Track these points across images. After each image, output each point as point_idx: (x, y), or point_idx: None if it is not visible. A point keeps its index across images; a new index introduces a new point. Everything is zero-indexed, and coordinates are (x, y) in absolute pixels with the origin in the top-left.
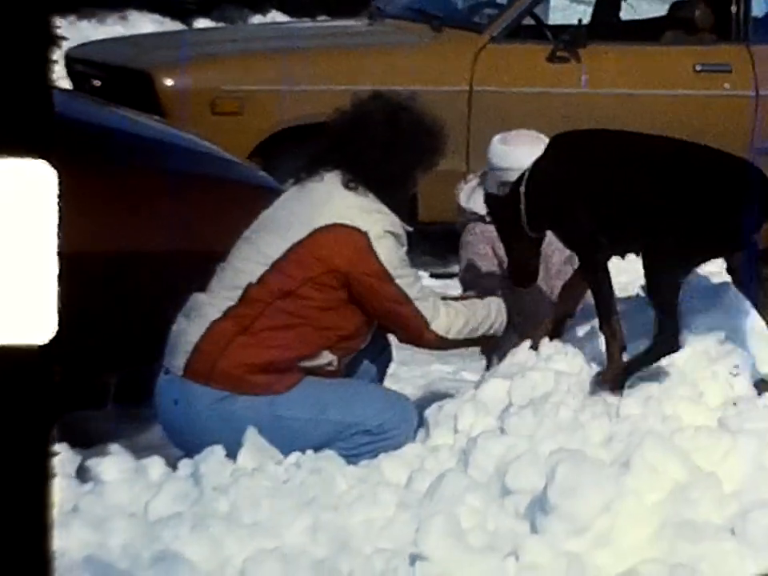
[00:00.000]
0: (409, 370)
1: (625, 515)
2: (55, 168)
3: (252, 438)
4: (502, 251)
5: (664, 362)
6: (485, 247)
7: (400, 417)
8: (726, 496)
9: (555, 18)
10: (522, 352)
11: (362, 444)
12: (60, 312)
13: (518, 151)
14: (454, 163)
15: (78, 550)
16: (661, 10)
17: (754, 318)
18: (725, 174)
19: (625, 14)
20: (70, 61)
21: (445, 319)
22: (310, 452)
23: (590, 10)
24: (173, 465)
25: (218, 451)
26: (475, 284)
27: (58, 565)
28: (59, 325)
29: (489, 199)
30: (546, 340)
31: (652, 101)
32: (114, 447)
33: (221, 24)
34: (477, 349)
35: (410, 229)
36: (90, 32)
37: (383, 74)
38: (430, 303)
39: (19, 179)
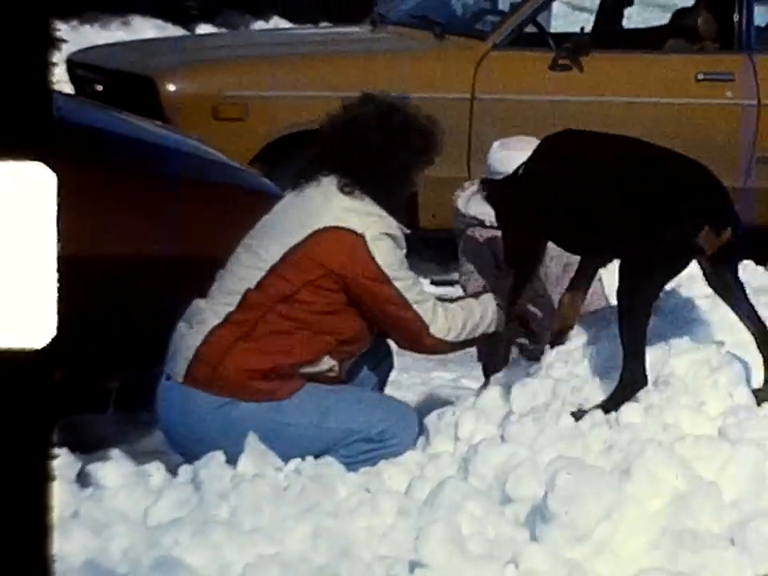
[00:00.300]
0: (409, 377)
1: (625, 523)
2: (55, 171)
3: (253, 444)
4: (501, 255)
5: (665, 370)
6: (484, 252)
7: (401, 424)
8: (726, 505)
9: (557, 25)
10: (521, 360)
11: (362, 451)
12: (62, 315)
13: (518, 156)
14: (455, 170)
15: (78, 555)
16: (663, 19)
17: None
18: (680, 178)
19: (627, 22)
20: (72, 65)
21: (444, 322)
22: (310, 459)
23: (592, 17)
24: (173, 470)
25: (218, 457)
26: (475, 289)
27: (57, 569)
28: (60, 328)
29: (485, 184)
30: (546, 348)
31: (654, 109)
32: (115, 452)
33: (223, 30)
34: (476, 356)
35: (408, 231)
36: (93, 37)
37: (385, 81)
38: (430, 306)
39: (19, 182)
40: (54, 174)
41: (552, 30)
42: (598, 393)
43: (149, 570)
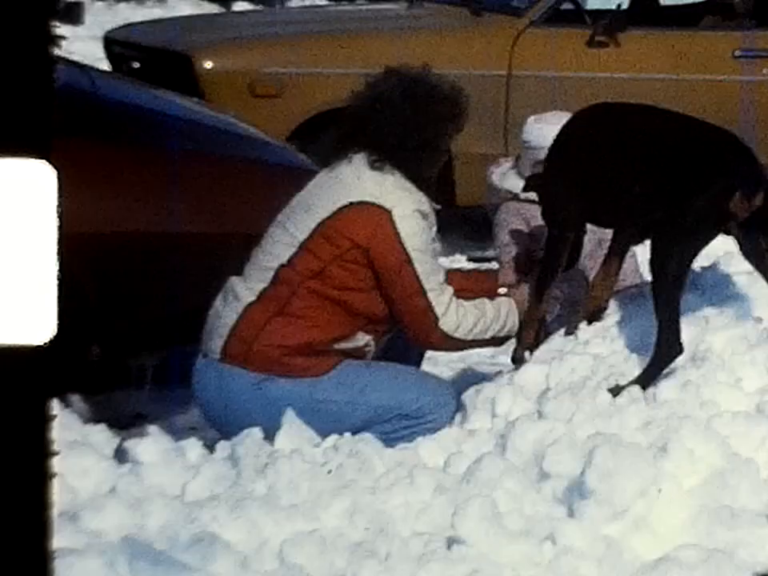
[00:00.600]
0: (447, 354)
1: (662, 500)
2: (96, 150)
3: (290, 420)
4: (536, 229)
5: (702, 346)
6: (520, 224)
7: (438, 400)
8: (763, 482)
9: (594, 2)
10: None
11: (399, 427)
12: (100, 292)
13: (552, 129)
14: (492, 147)
15: (116, 532)
16: None
17: None
18: (710, 146)
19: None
20: (109, 43)
21: (455, 318)
22: (347, 435)
23: None
24: (210, 447)
25: (255, 433)
26: (510, 261)
27: (95, 545)
28: (98, 306)
29: (530, 179)
30: (583, 324)
31: (690, 86)
32: (152, 428)
33: (260, 7)
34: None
35: (439, 207)
36: (129, 14)
37: (422, 58)
38: (445, 299)
39: (19, 179)
40: (55, 171)
41: (589, 7)
42: (635, 369)
43: (186, 546)
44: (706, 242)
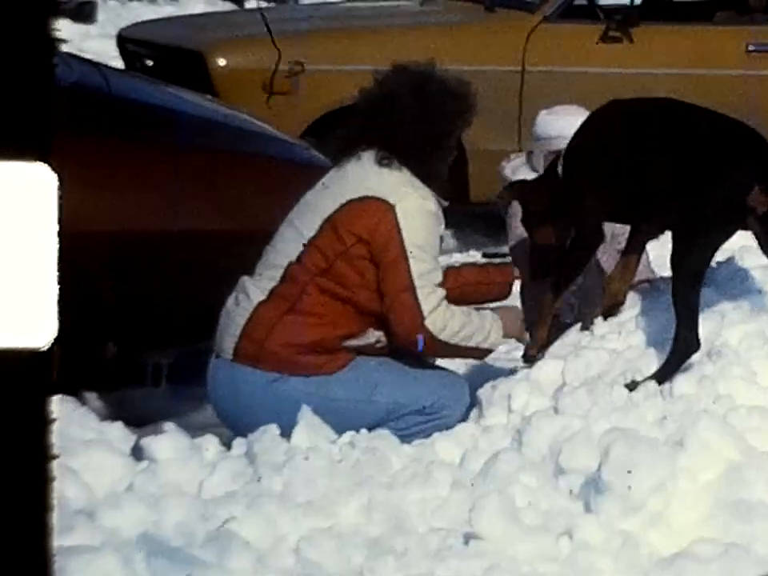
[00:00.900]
0: None
1: (679, 495)
2: (116, 149)
3: (306, 417)
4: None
5: (718, 341)
6: None
7: (453, 396)
8: None
9: None
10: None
11: (415, 423)
12: (116, 290)
13: (563, 120)
14: (506, 143)
15: (133, 528)
16: None
17: None
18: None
19: None
20: (123, 40)
21: (441, 319)
22: (364, 431)
23: None
24: (227, 444)
25: (272, 430)
26: (524, 252)
27: (112, 542)
28: (117, 302)
29: (510, 187)
30: (599, 319)
31: (703, 81)
32: (169, 426)
33: (273, 4)
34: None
35: (446, 203)
36: (142, 12)
37: (435, 54)
38: (434, 300)
39: (19, 182)
40: (55, 175)
41: (602, 2)
42: (651, 364)
43: (203, 543)
44: (726, 238)
